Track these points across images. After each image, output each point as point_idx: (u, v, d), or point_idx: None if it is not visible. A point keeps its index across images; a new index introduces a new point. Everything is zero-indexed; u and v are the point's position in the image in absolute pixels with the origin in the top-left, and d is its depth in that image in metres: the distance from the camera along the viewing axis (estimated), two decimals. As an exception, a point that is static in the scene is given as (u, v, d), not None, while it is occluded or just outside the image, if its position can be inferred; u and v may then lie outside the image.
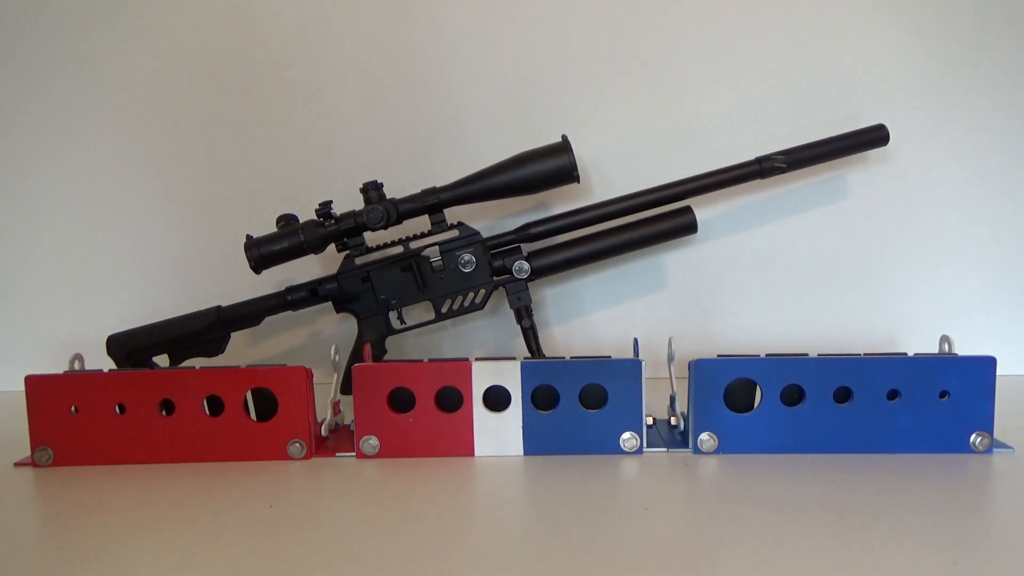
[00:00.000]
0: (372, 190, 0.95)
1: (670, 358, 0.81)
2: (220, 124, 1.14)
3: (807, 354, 0.79)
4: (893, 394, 0.78)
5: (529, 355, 1.00)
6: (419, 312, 1.08)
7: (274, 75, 1.13)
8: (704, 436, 0.78)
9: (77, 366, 0.84)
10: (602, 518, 0.64)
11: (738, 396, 0.79)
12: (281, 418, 0.80)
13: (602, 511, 0.65)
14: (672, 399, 0.83)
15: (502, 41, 1.11)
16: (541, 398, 0.80)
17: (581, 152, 0.96)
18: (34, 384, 0.80)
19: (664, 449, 0.80)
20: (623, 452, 0.79)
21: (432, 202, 0.95)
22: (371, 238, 1.04)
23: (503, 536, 0.62)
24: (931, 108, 1.09)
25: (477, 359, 0.80)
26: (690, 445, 0.79)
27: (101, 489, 0.74)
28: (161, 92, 1.14)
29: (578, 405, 0.79)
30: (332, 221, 0.95)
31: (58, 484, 0.76)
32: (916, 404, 0.77)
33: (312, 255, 0.97)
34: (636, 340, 0.86)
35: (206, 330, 0.98)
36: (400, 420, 0.80)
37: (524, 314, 1.00)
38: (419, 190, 0.96)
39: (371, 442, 0.80)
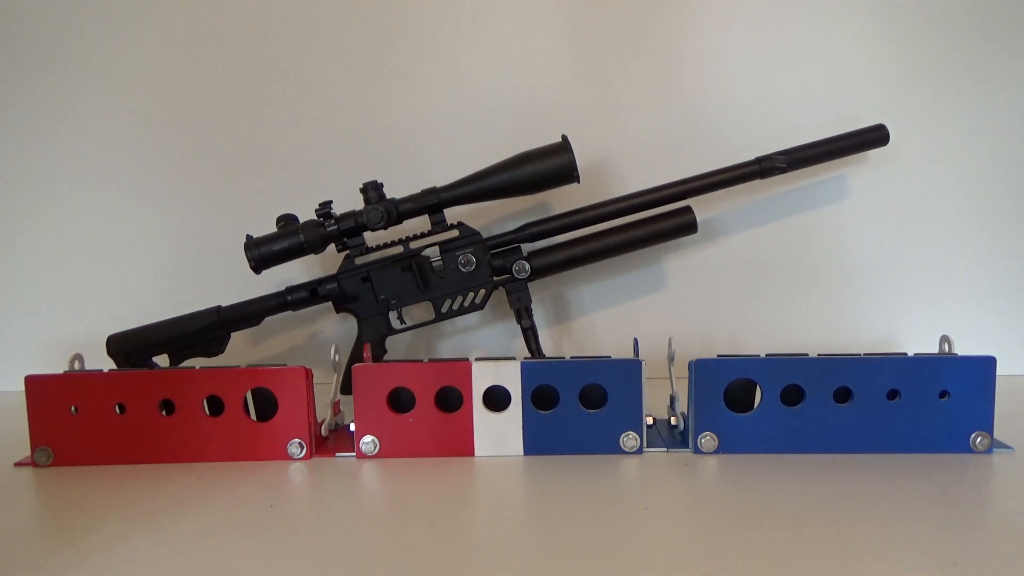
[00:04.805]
0: (372, 190, 0.95)
1: (670, 358, 0.81)
2: (220, 124, 1.14)
3: (807, 354, 0.79)
4: (893, 394, 0.77)
5: (529, 355, 1.00)
6: (419, 312, 1.08)
7: (274, 75, 1.13)
8: (704, 436, 0.78)
9: (77, 366, 0.84)
10: (602, 518, 0.64)
11: (738, 396, 0.79)
12: (281, 418, 0.80)
13: (602, 511, 0.65)
14: (672, 399, 0.83)
15: (502, 40, 1.11)
16: (541, 398, 0.80)
17: (581, 152, 0.96)
18: (34, 384, 0.80)
19: (664, 449, 0.80)
20: (623, 452, 0.79)
21: (432, 202, 0.95)
22: (371, 238, 1.04)
23: (503, 536, 0.62)
24: (931, 108, 1.09)
25: (477, 359, 0.80)
26: (690, 445, 0.79)
27: (101, 489, 0.74)
28: (161, 92, 1.14)
29: (578, 405, 0.79)
30: (332, 221, 0.95)
31: (58, 484, 0.76)
32: (916, 404, 0.77)
33: (312, 255, 0.97)
34: (636, 340, 0.86)
35: (206, 330, 0.98)
36: (400, 420, 0.80)
37: (524, 314, 1.00)
38: (419, 190, 0.96)
39: (371, 442, 0.80)
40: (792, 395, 0.78)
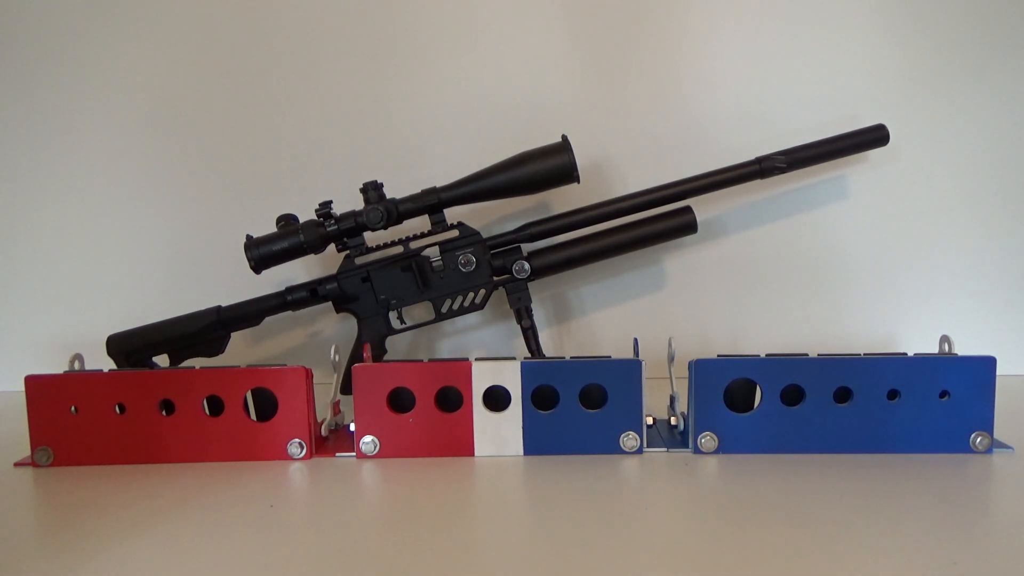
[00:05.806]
0: (372, 190, 0.95)
1: (670, 358, 0.81)
2: (220, 124, 1.14)
3: (807, 354, 0.79)
4: (893, 394, 0.77)
5: (529, 355, 1.00)
6: (419, 312, 1.08)
7: (274, 74, 1.13)
8: (704, 436, 0.78)
9: (77, 366, 0.84)
10: (602, 518, 0.64)
11: (738, 396, 0.79)
12: (281, 418, 0.80)
13: (602, 511, 0.65)
14: (672, 399, 0.83)
15: (503, 40, 1.11)
16: (541, 398, 0.80)
17: (581, 152, 0.96)
18: (34, 384, 0.80)
19: (664, 449, 0.80)
20: (623, 452, 0.79)
21: (432, 202, 0.95)
22: (371, 238, 1.04)
23: (503, 536, 0.62)
24: (931, 108, 1.09)
25: (477, 359, 0.80)
26: (690, 445, 0.79)
27: (101, 489, 0.74)
28: (160, 91, 1.14)
29: (578, 405, 0.79)
30: (332, 221, 0.95)
31: (58, 484, 0.76)
32: (916, 404, 0.77)
33: (312, 255, 0.97)
34: (636, 340, 0.86)
35: (206, 330, 0.98)
36: (400, 420, 0.80)
37: (524, 314, 1.00)
38: (419, 190, 0.96)
39: (371, 442, 0.80)
40: (792, 395, 0.78)
